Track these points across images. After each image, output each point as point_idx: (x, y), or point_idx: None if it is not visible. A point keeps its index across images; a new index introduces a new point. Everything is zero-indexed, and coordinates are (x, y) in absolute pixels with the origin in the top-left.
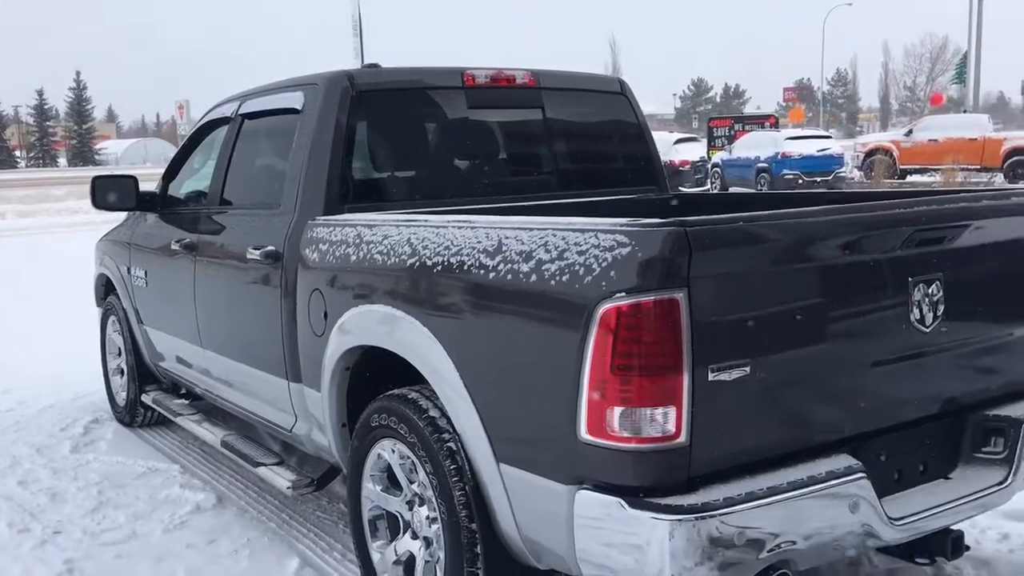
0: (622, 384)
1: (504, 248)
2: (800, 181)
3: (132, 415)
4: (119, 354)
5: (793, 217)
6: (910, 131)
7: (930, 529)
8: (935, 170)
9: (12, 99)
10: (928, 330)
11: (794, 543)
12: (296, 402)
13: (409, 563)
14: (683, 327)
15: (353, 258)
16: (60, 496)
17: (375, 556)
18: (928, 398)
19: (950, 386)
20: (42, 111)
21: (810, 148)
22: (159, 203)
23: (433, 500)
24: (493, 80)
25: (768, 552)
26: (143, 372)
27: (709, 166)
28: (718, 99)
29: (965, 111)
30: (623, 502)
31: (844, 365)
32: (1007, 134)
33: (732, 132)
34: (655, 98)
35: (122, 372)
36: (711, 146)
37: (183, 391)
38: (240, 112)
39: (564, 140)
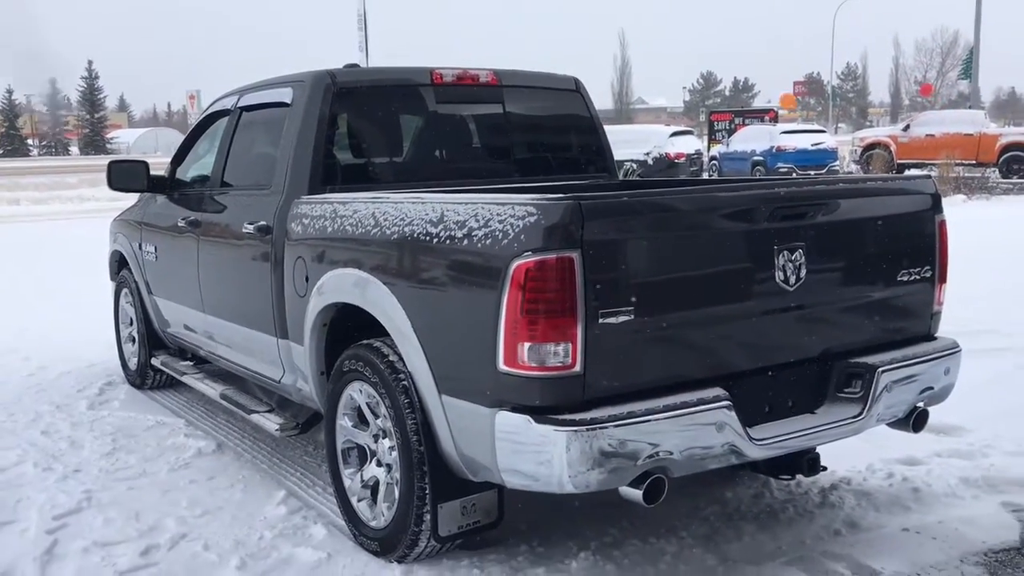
0: (529, 324)
1: (445, 219)
2: (794, 175)
3: (143, 378)
4: (131, 323)
5: (666, 195)
6: (907, 126)
7: (790, 449)
8: (932, 164)
9: (24, 87)
10: (792, 289)
11: (670, 453)
12: (284, 356)
13: (375, 486)
14: (577, 280)
15: (329, 230)
16: (78, 443)
17: (347, 482)
18: (794, 346)
19: (815, 337)
20: (54, 100)
21: (804, 142)
22: (167, 185)
23: (391, 430)
24: (459, 78)
25: (645, 460)
26: (153, 338)
27: (707, 159)
28: (727, 92)
29: (970, 106)
30: (531, 419)
31: (716, 316)
32: (1002, 130)
33: (732, 126)
34: (664, 91)
35: (133, 339)
36: (712, 139)
37: (189, 355)
38: (238, 105)
39: (523, 132)
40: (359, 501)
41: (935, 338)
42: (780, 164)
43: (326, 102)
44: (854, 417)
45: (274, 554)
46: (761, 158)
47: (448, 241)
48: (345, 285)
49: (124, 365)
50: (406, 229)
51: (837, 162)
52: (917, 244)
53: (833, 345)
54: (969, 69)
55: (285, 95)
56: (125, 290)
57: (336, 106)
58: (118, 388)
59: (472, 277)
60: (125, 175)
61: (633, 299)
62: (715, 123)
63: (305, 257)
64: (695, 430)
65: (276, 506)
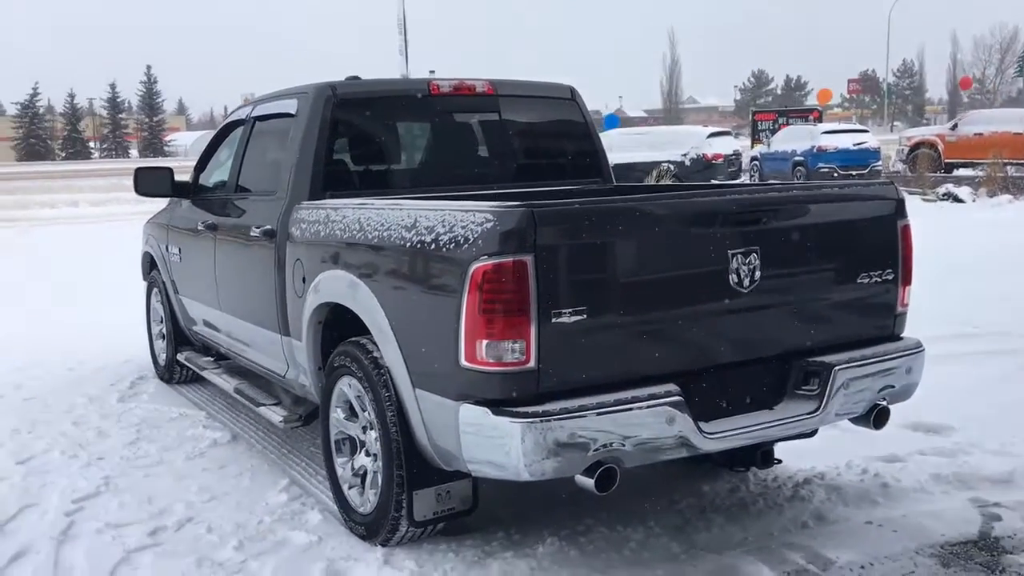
0: (487, 323)
1: (417, 224)
2: (836, 175)
3: (170, 373)
4: (161, 321)
5: (617, 202)
6: (955, 125)
7: (741, 443)
8: (980, 164)
9: (86, 92)
10: (746, 291)
11: (621, 445)
12: (287, 352)
13: (364, 474)
14: (531, 282)
15: (322, 234)
16: (105, 433)
17: (339, 470)
18: (751, 345)
19: (773, 337)
20: (115, 104)
21: (846, 142)
22: (191, 190)
23: (374, 421)
24: (456, 89)
25: (595, 450)
26: (179, 336)
27: (748, 159)
28: (779, 91)
29: None
30: (489, 411)
31: (669, 316)
32: None
33: (776, 125)
34: (715, 91)
35: (163, 336)
36: (755, 139)
37: (212, 352)
38: (252, 115)
39: (519, 139)
40: (349, 488)
41: (900, 338)
42: (821, 164)
43: (327, 112)
44: (810, 413)
45: (270, 537)
46: (802, 158)
47: (419, 245)
48: (335, 286)
49: (154, 361)
50: (384, 234)
51: (880, 162)
52: (879, 248)
53: (792, 344)
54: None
55: (291, 106)
56: (155, 289)
57: (336, 116)
58: (148, 382)
59: (438, 279)
60: (151, 181)
61: (585, 300)
62: (759, 123)
63: (303, 259)
64: (645, 423)
65: (278, 493)
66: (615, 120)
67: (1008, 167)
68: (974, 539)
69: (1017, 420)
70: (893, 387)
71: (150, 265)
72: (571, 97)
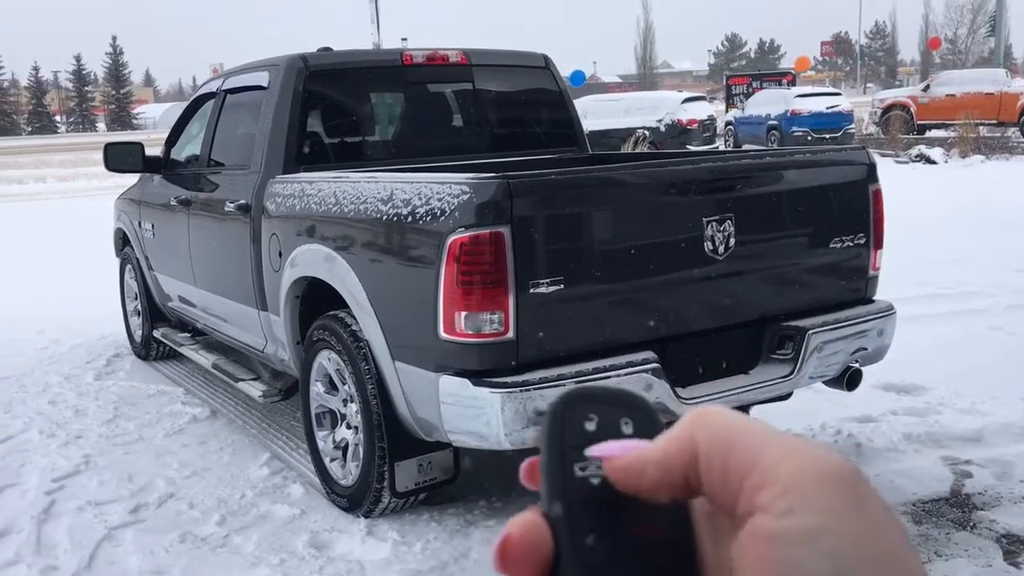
0: (465, 295)
1: (393, 197)
2: (809, 138)
3: (147, 349)
4: (135, 297)
5: (592, 172)
6: (927, 86)
7: None
8: (952, 125)
9: (51, 65)
10: (722, 258)
11: None
12: (265, 327)
13: (345, 447)
14: (507, 253)
15: (298, 208)
16: (82, 411)
17: (320, 444)
18: (726, 311)
19: (748, 302)
20: (80, 76)
21: (819, 105)
22: (162, 165)
23: (355, 394)
24: (429, 59)
25: None
26: (154, 312)
27: (723, 124)
28: (752, 55)
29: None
30: (468, 382)
31: (646, 284)
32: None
33: (750, 89)
34: (689, 55)
35: (138, 313)
36: (729, 103)
37: (189, 328)
38: (223, 88)
39: (493, 109)
40: (331, 461)
41: (872, 301)
42: (795, 128)
43: (299, 84)
44: (784, 377)
45: (253, 511)
46: (776, 122)
47: (395, 218)
48: (312, 260)
49: (130, 337)
50: (361, 207)
51: (852, 125)
52: (850, 213)
53: (766, 310)
54: (995, 27)
55: (262, 78)
56: (129, 266)
57: (308, 88)
58: (124, 359)
59: (415, 251)
60: (121, 156)
61: (562, 270)
62: (732, 87)
63: (278, 233)
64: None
65: (260, 467)
66: (581, 77)
67: (980, 127)
68: (946, 496)
69: (986, 379)
70: (866, 349)
71: (123, 241)
72: (545, 65)
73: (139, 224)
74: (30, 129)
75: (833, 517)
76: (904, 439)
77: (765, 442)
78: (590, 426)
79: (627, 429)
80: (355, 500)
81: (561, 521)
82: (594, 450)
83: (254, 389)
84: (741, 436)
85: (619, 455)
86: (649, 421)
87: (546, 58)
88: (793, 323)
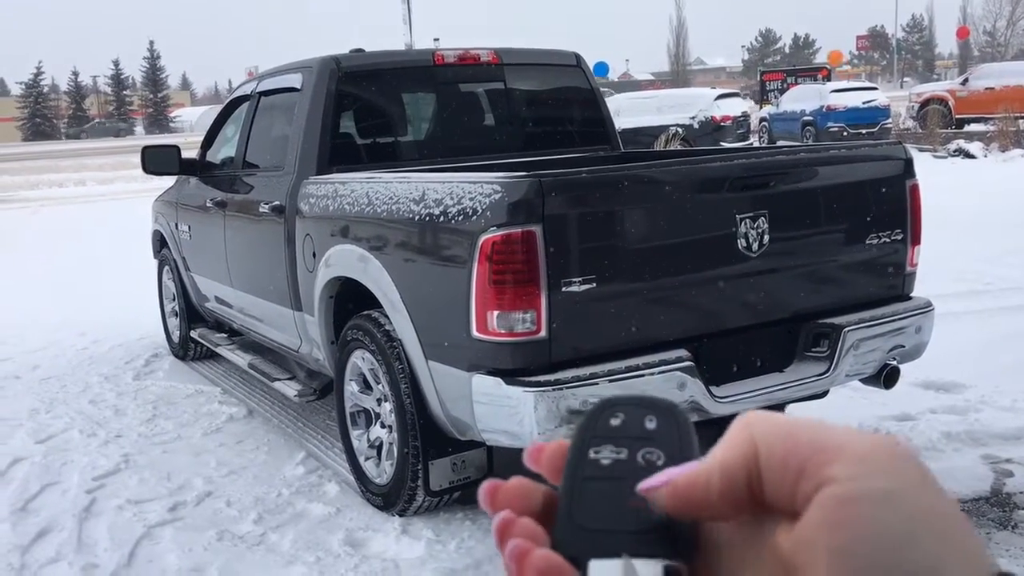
0: (497, 294)
1: (425, 197)
2: (845, 134)
3: (184, 350)
4: (173, 298)
5: (624, 170)
6: (966, 79)
7: (753, 406)
8: (991, 119)
9: (90, 70)
10: (755, 255)
11: None
12: (299, 327)
13: (379, 446)
14: (539, 252)
15: (331, 208)
16: (122, 411)
17: (355, 442)
18: (761, 309)
19: (782, 300)
20: (119, 81)
21: (855, 100)
22: (198, 168)
23: (388, 394)
24: (460, 59)
25: None
26: (192, 313)
27: (757, 120)
28: (787, 50)
29: None
30: (502, 381)
31: (678, 282)
32: None
33: (784, 85)
34: (722, 51)
35: (176, 313)
36: (763, 99)
37: (225, 328)
38: (257, 90)
39: (524, 107)
40: (365, 460)
41: (910, 298)
42: (831, 124)
43: (332, 86)
44: (820, 375)
45: (289, 509)
46: (811, 118)
47: (428, 218)
48: (345, 260)
49: (168, 338)
50: (393, 207)
51: (889, 120)
52: (887, 208)
53: (801, 307)
54: None
55: (296, 80)
56: (167, 267)
57: (341, 89)
58: (163, 359)
59: (448, 251)
60: (158, 159)
61: (594, 268)
62: (767, 83)
63: (312, 234)
64: (657, 389)
65: (295, 466)
66: (604, 68)
67: (1020, 121)
68: (986, 495)
69: None
70: (903, 347)
71: (160, 243)
72: (576, 64)
73: (176, 226)
74: (69, 133)
75: (908, 484)
76: (943, 438)
77: (826, 429)
78: (615, 421)
79: (650, 424)
80: (390, 499)
81: (565, 482)
82: (648, 482)
83: (290, 389)
84: (800, 427)
85: (677, 475)
86: (673, 418)
87: (577, 56)
88: (829, 320)
